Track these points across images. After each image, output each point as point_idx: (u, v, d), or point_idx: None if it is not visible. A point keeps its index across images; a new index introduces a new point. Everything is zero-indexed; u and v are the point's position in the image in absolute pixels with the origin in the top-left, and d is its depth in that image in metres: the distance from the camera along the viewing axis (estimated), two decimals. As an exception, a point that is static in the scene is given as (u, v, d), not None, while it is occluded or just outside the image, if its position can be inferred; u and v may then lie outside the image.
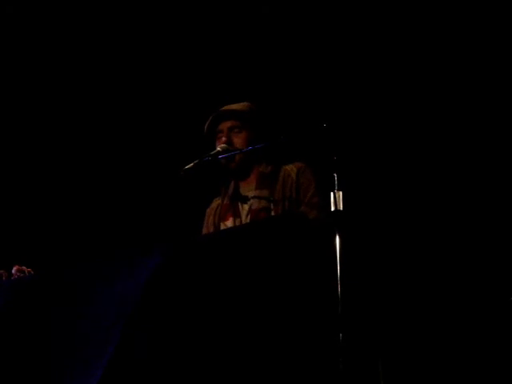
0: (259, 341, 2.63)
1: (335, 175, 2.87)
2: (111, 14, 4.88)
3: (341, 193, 2.86)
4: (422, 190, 4.22)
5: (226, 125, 3.60)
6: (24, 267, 3.42)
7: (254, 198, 3.53)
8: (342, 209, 2.85)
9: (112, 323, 2.54)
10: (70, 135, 5.04)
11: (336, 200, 2.84)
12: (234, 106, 3.64)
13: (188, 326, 2.58)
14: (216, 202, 3.71)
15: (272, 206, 3.49)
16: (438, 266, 4.05)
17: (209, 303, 2.63)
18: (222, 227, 3.59)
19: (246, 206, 3.55)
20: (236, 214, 3.55)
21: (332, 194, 2.85)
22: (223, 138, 3.56)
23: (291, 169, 3.57)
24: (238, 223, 3.53)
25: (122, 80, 4.96)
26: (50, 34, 4.93)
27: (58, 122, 5.04)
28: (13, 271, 3.42)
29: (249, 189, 3.59)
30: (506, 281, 3.87)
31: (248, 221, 3.52)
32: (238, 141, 3.57)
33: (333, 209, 2.84)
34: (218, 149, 3.51)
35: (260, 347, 2.63)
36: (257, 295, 2.68)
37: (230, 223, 3.54)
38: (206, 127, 3.64)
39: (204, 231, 3.68)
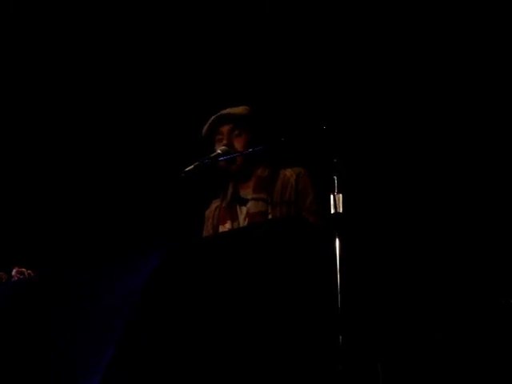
0: (259, 342, 2.63)
1: (335, 178, 2.86)
2: (111, 15, 4.88)
3: (341, 195, 2.85)
4: (423, 192, 4.22)
5: (226, 128, 3.61)
6: (24, 269, 3.42)
7: (252, 200, 3.54)
8: (341, 211, 2.84)
9: (112, 323, 2.54)
10: (71, 137, 5.03)
11: (336, 203, 2.84)
12: (234, 110, 3.65)
13: (188, 326, 2.59)
14: (215, 204, 3.72)
15: (269, 210, 3.50)
16: (438, 269, 4.05)
17: (209, 304, 2.63)
18: (221, 230, 3.59)
19: (244, 209, 3.56)
20: (234, 218, 3.56)
21: (332, 196, 2.84)
22: (224, 141, 3.56)
23: (290, 174, 3.58)
24: (236, 226, 3.54)
25: (122, 82, 4.96)
26: (50, 34, 4.94)
27: (59, 123, 5.04)
28: (13, 273, 3.42)
29: (247, 192, 3.60)
30: (506, 282, 3.87)
31: (246, 224, 3.53)
32: (239, 144, 3.58)
33: (333, 211, 2.83)
34: (218, 151, 3.51)
35: (260, 349, 2.63)
36: (257, 297, 2.68)
37: (228, 226, 3.55)
38: (205, 130, 3.65)
39: (204, 234, 3.68)
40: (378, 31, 4.40)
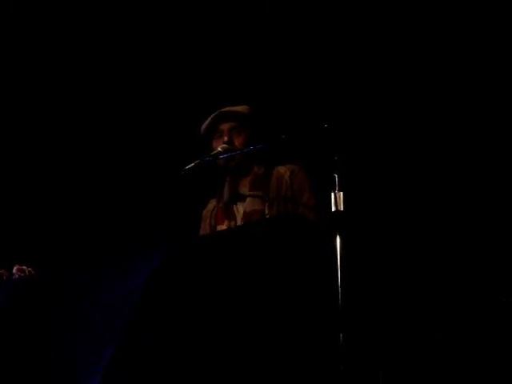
0: (259, 342, 2.63)
1: (336, 175, 2.86)
2: (111, 14, 4.88)
3: (341, 193, 2.84)
4: (424, 190, 4.22)
5: (226, 125, 3.61)
6: (24, 267, 3.42)
7: (249, 197, 3.55)
8: (342, 209, 2.83)
9: (112, 323, 2.54)
10: (71, 135, 5.03)
11: (337, 200, 2.83)
12: (235, 108, 3.66)
13: (188, 326, 2.59)
14: (212, 203, 3.72)
15: (266, 207, 3.51)
16: (439, 267, 4.05)
17: (209, 304, 2.63)
18: (218, 230, 3.61)
19: (241, 208, 3.57)
20: (231, 217, 3.56)
21: (333, 194, 2.83)
22: (225, 138, 3.57)
23: (284, 171, 3.59)
24: (233, 226, 3.54)
25: (121, 80, 4.96)
26: (50, 34, 4.94)
27: (59, 123, 5.04)
28: (13, 271, 3.42)
29: (245, 189, 3.61)
30: (506, 280, 3.87)
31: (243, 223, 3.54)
32: (239, 141, 3.59)
33: (333, 209, 2.83)
34: (219, 149, 3.52)
35: (260, 348, 2.63)
36: (257, 296, 2.68)
37: (225, 226, 3.56)
38: (205, 126, 3.66)
39: (201, 234, 3.68)
40: (378, 29, 4.39)
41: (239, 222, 3.54)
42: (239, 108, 3.65)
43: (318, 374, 2.67)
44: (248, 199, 3.57)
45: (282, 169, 3.60)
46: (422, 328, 3.86)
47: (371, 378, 3.24)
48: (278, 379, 2.59)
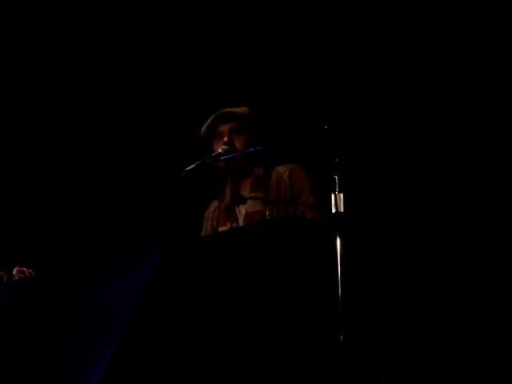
0: (259, 342, 2.63)
1: (336, 177, 2.86)
2: (111, 14, 4.89)
3: (342, 195, 2.84)
4: (425, 192, 4.22)
5: (226, 126, 3.62)
6: (24, 268, 3.43)
7: (250, 198, 3.55)
8: (342, 211, 2.83)
9: (112, 323, 2.54)
10: (71, 136, 5.04)
11: (337, 202, 2.83)
12: (235, 109, 3.66)
13: (188, 326, 2.59)
14: (214, 204, 3.73)
15: (267, 208, 3.51)
16: (439, 268, 4.05)
17: (209, 304, 2.63)
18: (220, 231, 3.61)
19: (243, 210, 3.58)
20: (233, 219, 3.57)
21: (333, 196, 2.83)
22: (225, 138, 3.57)
23: (283, 170, 3.60)
24: (234, 227, 3.55)
25: (122, 81, 4.97)
26: (50, 34, 4.94)
27: (59, 123, 5.04)
28: (13, 272, 3.43)
29: (246, 191, 3.61)
30: (506, 280, 3.87)
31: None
32: (239, 142, 3.59)
33: (334, 211, 2.82)
34: (220, 150, 3.52)
35: (260, 348, 2.63)
36: (257, 297, 2.68)
37: (227, 227, 3.58)
38: (205, 128, 3.66)
39: (203, 235, 3.69)
40: (378, 30, 4.40)
41: (241, 224, 3.55)
42: (239, 109, 3.66)
43: (318, 374, 2.67)
44: (249, 201, 3.58)
45: (281, 168, 3.61)
46: (422, 328, 3.86)
47: (372, 379, 3.24)
48: (278, 379, 2.59)
